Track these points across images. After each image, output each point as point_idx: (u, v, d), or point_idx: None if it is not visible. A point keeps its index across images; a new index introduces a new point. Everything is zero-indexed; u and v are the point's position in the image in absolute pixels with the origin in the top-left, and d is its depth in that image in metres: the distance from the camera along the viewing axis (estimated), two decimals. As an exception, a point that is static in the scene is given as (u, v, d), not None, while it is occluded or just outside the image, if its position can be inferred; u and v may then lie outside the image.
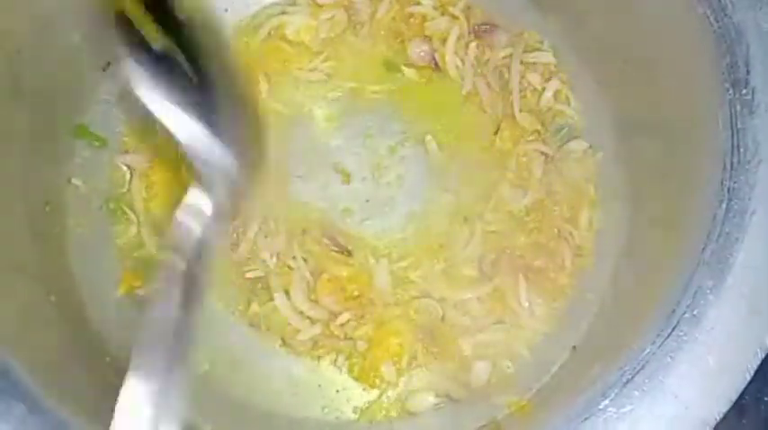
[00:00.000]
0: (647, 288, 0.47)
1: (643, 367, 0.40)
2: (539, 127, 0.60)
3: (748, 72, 0.44)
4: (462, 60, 0.62)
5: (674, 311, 0.41)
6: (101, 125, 0.60)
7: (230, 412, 0.56)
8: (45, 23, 0.53)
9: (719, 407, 0.39)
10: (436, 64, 0.62)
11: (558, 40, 0.61)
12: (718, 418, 0.39)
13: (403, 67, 0.62)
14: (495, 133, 0.61)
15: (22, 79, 0.51)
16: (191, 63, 0.40)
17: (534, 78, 0.61)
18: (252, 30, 0.64)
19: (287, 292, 0.58)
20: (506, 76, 0.61)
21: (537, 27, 0.62)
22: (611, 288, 0.55)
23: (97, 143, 0.60)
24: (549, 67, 0.61)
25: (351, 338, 0.57)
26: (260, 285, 0.59)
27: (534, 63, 0.62)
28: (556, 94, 0.61)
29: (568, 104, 0.61)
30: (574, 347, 0.54)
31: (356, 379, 0.57)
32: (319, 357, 0.58)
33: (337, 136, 0.62)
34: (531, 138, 0.60)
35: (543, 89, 0.61)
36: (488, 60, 0.62)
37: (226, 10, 0.64)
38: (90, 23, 0.55)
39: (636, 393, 0.40)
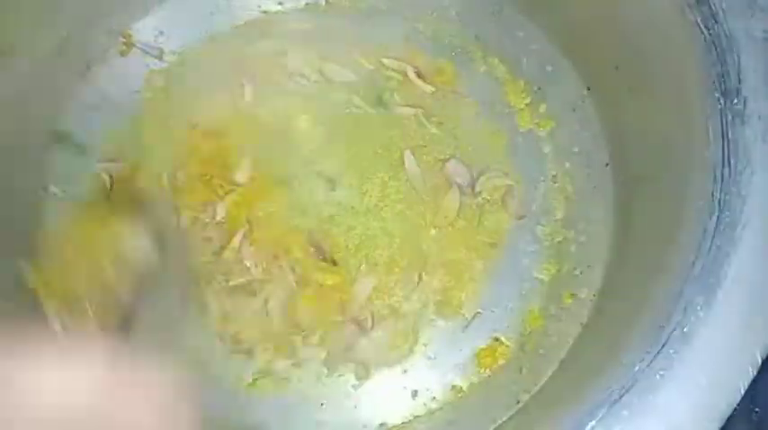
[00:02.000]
0: (636, 303, 0.46)
1: (632, 385, 0.39)
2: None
3: (740, 81, 0.43)
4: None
5: (663, 327, 0.40)
6: (80, 132, 0.59)
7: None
8: (22, 26, 0.51)
9: (711, 425, 0.38)
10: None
11: (549, 48, 0.60)
12: (710, 437, 0.38)
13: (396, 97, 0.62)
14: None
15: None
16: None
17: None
18: (240, 35, 0.63)
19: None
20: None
21: (528, 35, 0.60)
22: (599, 302, 0.54)
23: (76, 150, 0.59)
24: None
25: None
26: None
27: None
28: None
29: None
30: (561, 361, 0.53)
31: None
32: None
33: (322, 142, 0.61)
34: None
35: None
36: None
37: (211, 13, 0.63)
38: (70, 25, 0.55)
39: (625, 412, 0.38)
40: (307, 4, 0.64)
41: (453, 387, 0.56)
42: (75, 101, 0.60)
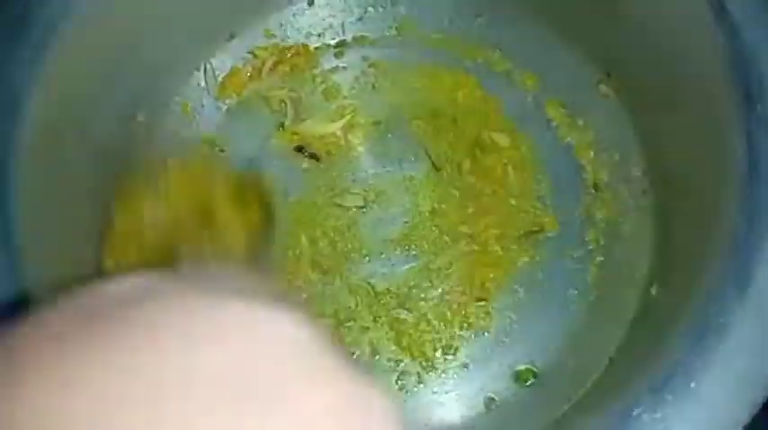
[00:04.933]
0: (678, 300, 0.49)
1: (675, 374, 0.42)
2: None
3: (762, 89, 0.46)
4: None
5: (702, 321, 0.43)
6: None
7: None
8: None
9: (749, 409, 0.41)
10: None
11: (584, 65, 0.64)
12: (747, 420, 0.41)
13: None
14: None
15: (88, 129, 0.56)
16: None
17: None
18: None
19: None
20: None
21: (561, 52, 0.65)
22: (644, 301, 0.57)
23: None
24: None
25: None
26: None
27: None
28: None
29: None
30: (610, 360, 0.56)
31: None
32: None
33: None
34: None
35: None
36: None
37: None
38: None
39: (669, 398, 0.42)
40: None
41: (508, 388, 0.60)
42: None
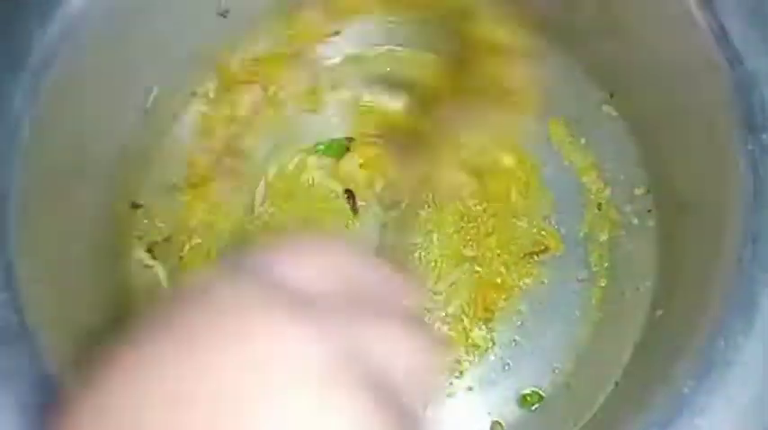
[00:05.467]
0: (683, 326, 0.49)
1: (680, 409, 0.42)
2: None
3: (765, 118, 0.46)
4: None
5: (707, 356, 0.43)
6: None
7: None
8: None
9: (755, 444, 0.41)
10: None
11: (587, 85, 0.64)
12: (753, 458, 0.41)
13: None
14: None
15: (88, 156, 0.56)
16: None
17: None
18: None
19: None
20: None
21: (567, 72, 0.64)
22: (648, 325, 0.57)
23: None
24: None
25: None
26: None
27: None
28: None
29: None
30: (616, 383, 0.56)
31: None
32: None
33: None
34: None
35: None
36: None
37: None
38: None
39: (673, 435, 0.42)
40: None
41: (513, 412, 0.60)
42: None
